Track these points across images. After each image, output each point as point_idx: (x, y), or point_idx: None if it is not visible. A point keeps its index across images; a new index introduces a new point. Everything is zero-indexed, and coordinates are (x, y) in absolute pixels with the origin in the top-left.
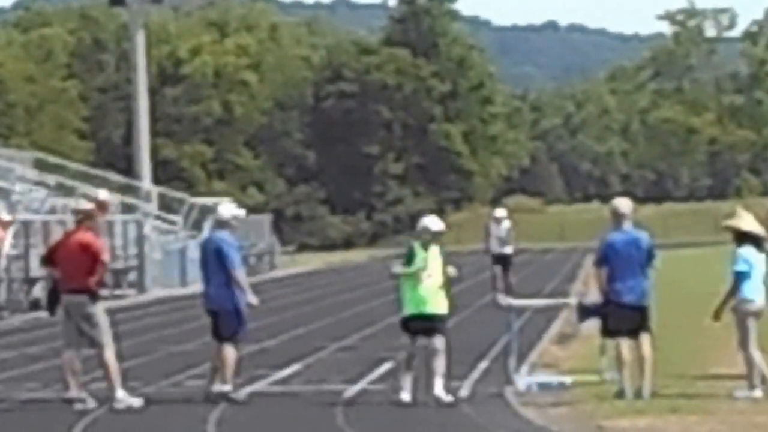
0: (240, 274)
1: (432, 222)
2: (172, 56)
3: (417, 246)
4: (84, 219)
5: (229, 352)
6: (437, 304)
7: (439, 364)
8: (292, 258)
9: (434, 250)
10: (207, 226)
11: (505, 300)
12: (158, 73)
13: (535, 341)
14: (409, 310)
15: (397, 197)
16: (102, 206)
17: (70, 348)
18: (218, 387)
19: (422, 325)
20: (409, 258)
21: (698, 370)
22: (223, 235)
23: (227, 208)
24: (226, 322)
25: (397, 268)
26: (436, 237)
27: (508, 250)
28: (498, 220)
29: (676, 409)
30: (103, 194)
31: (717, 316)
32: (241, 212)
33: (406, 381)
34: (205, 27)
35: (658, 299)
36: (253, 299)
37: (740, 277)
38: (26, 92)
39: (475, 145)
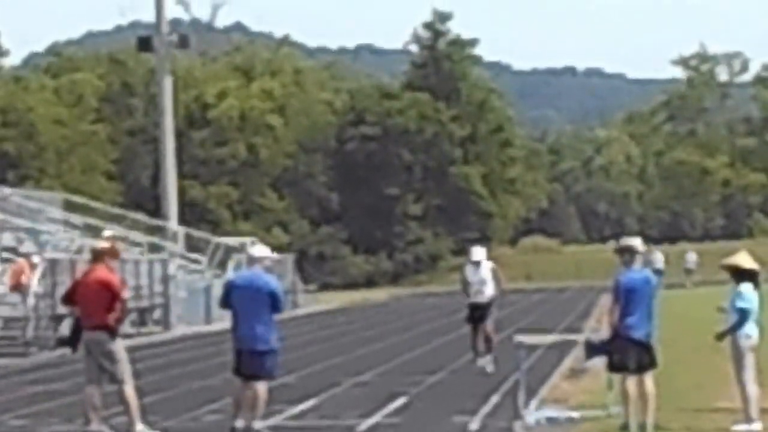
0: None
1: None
2: (199, 100)
3: None
4: (101, 257)
5: (265, 389)
6: None
7: None
8: (314, 296)
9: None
10: (232, 265)
11: (490, 364)
12: (185, 117)
13: (546, 376)
14: None
15: (418, 237)
16: (113, 250)
17: (91, 384)
18: (259, 424)
19: None
20: None
21: (701, 404)
22: (270, 276)
23: (262, 249)
24: (272, 361)
25: None
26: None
27: (483, 298)
28: (476, 264)
29: None
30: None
31: (720, 338)
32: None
33: None
34: (230, 72)
35: (668, 335)
36: None
37: (743, 314)
38: (57, 135)
39: (494, 187)
